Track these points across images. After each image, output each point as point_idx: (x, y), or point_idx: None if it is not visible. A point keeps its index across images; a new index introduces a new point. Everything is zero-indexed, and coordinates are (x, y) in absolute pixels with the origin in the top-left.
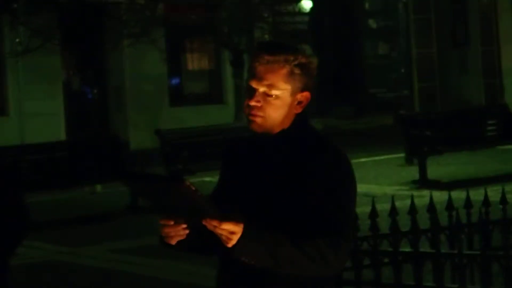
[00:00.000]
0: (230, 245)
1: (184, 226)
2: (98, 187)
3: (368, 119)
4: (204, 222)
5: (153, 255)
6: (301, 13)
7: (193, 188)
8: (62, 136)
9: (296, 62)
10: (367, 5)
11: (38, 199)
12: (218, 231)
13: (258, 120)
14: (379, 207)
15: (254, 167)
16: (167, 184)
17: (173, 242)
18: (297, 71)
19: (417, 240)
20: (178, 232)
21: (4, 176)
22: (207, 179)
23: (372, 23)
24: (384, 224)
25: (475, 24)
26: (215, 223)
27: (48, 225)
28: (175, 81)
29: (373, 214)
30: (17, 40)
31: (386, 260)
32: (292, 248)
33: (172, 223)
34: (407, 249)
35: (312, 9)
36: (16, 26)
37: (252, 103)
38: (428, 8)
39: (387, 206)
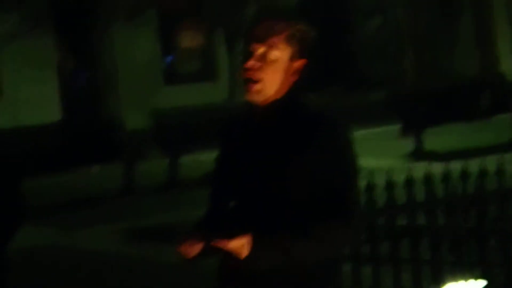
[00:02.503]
0: (243, 256)
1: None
2: (94, 169)
3: (362, 94)
4: (213, 244)
5: (150, 236)
6: None
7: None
8: (56, 118)
9: (296, 27)
10: None
11: (33, 182)
12: (229, 249)
13: (256, 86)
14: (375, 180)
15: (253, 143)
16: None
17: (191, 256)
18: (296, 35)
19: (414, 213)
20: (193, 249)
21: (3, 160)
22: (203, 157)
23: None
24: (381, 197)
25: None
26: (223, 244)
27: (44, 208)
28: (168, 60)
29: (370, 187)
30: (9, 23)
31: (383, 234)
32: (304, 241)
33: (185, 245)
34: (404, 222)
35: None
36: (8, 9)
37: (251, 63)
38: None
39: (383, 179)
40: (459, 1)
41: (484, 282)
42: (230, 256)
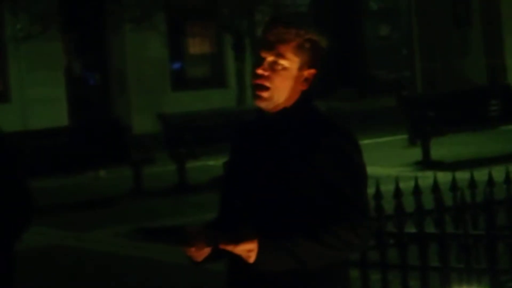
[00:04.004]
0: (251, 261)
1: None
2: (102, 172)
3: (371, 101)
4: (221, 247)
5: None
6: None
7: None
8: (64, 121)
9: (307, 37)
10: None
11: (42, 184)
12: (236, 252)
13: (265, 94)
14: (383, 188)
15: (263, 149)
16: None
17: (200, 259)
18: (307, 45)
19: (422, 221)
20: (202, 253)
21: (10, 161)
22: (211, 163)
23: (373, 5)
24: (388, 206)
25: (477, 3)
26: (230, 248)
27: (52, 210)
28: (176, 65)
29: (378, 195)
30: (18, 26)
31: (391, 241)
32: (311, 244)
33: (193, 249)
34: (412, 230)
35: None
36: (16, 12)
37: (260, 71)
38: None
39: (391, 188)
40: (469, 10)
41: None
42: (238, 258)
